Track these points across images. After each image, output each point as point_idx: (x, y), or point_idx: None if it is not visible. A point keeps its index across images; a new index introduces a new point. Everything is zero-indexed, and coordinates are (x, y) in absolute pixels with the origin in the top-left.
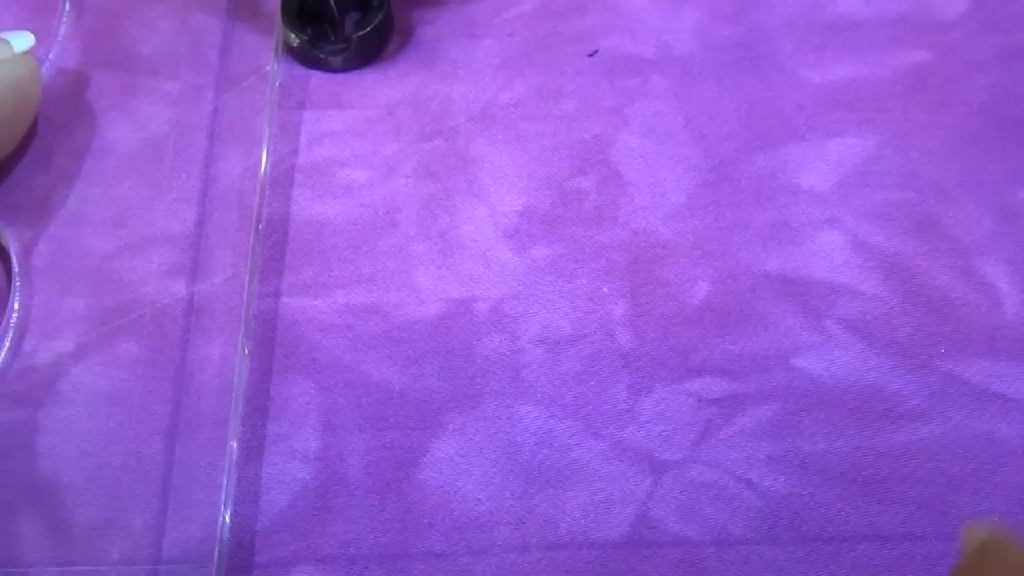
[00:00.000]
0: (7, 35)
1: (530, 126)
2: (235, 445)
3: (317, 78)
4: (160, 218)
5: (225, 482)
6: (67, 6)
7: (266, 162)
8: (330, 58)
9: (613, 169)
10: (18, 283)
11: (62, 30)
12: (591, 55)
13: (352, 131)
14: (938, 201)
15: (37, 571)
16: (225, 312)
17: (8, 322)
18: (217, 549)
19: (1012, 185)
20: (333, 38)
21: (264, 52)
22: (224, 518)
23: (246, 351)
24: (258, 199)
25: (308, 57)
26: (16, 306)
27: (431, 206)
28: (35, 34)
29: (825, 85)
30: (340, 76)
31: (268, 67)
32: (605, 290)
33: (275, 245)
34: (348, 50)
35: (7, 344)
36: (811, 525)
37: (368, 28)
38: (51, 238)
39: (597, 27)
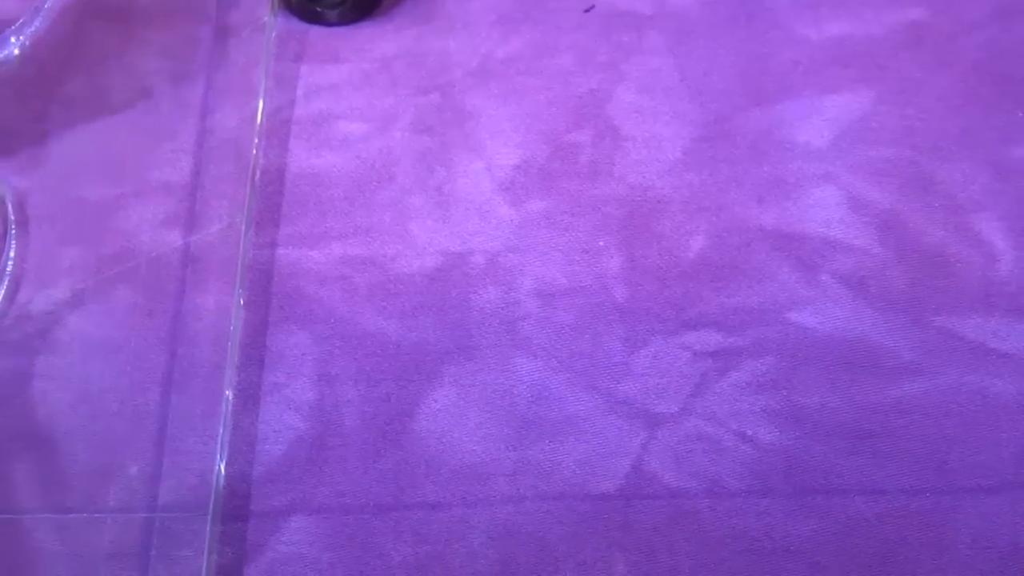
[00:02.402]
0: None
1: (526, 81)
2: (231, 395)
3: (314, 31)
4: (156, 168)
5: (221, 431)
6: None
7: (263, 114)
8: (327, 12)
9: (609, 124)
10: (13, 231)
11: None
12: (587, 10)
13: (349, 84)
14: (934, 158)
15: (32, 517)
16: (221, 262)
17: (3, 270)
18: (213, 497)
19: (1008, 143)
20: None
21: (261, 4)
22: (220, 467)
23: (241, 301)
24: (255, 150)
25: (305, 11)
26: (11, 254)
27: (427, 159)
28: None
29: (821, 42)
30: (337, 30)
31: (265, 19)
32: (601, 244)
33: (271, 196)
34: (345, 4)
35: (2, 292)
36: (805, 478)
37: None
38: (47, 187)
39: None
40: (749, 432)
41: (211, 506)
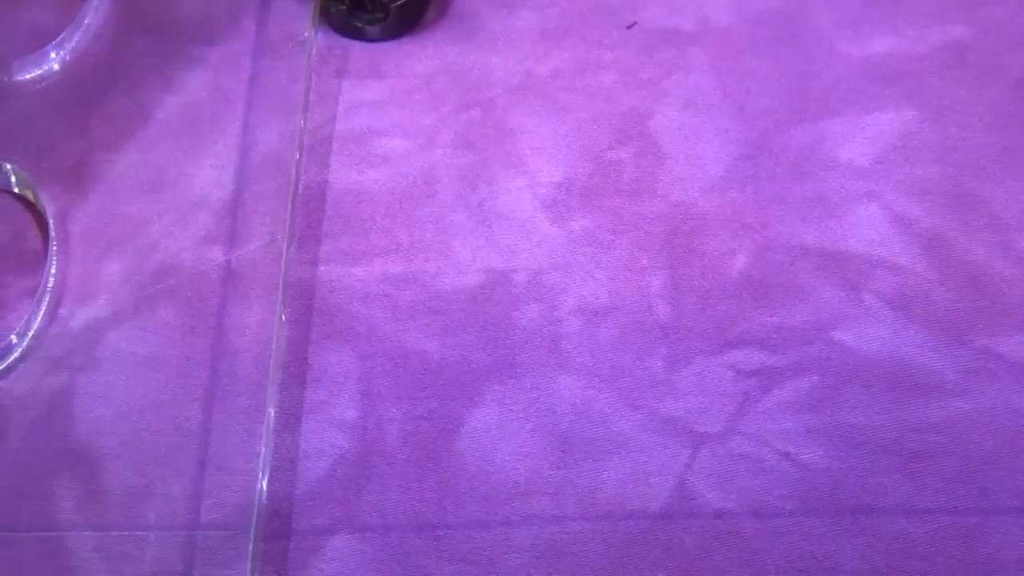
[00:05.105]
0: None
1: (568, 97)
2: (273, 412)
3: (355, 47)
4: (197, 184)
5: (263, 449)
6: None
7: (304, 130)
8: (368, 27)
9: (651, 141)
10: (55, 247)
11: None
12: (629, 27)
13: (390, 101)
14: (977, 177)
15: (74, 535)
16: (263, 279)
17: (45, 286)
18: (255, 516)
19: None
20: (371, 7)
21: (301, 19)
22: (262, 485)
23: (283, 318)
24: (296, 167)
25: (346, 26)
26: (53, 271)
27: (469, 176)
28: None
29: (864, 59)
30: (378, 45)
31: (305, 35)
32: (643, 262)
33: (313, 212)
34: (386, 20)
35: (44, 308)
36: (849, 498)
37: None
38: (88, 203)
39: None
40: (792, 451)
41: (253, 524)
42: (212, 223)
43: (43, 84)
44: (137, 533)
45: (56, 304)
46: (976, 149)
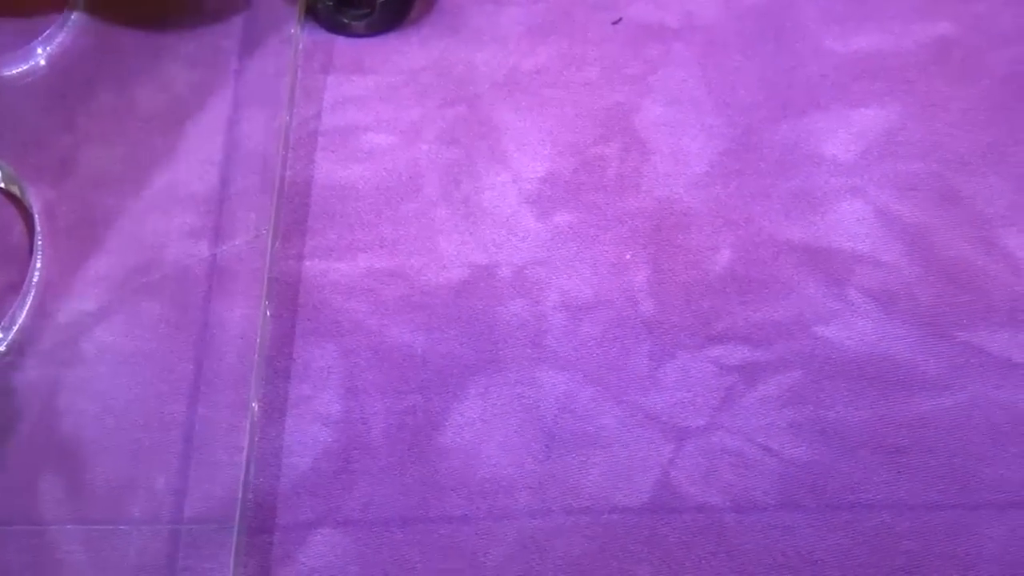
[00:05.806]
0: None
1: (553, 93)
2: (257, 407)
3: (341, 43)
4: (183, 179)
5: (247, 443)
6: None
7: (289, 125)
8: (354, 23)
9: (636, 137)
10: (40, 242)
11: None
12: (615, 23)
13: (375, 96)
14: (960, 173)
15: (58, 529)
16: (247, 274)
17: (31, 281)
18: (238, 510)
19: None
20: (357, 3)
21: (288, 15)
22: (246, 479)
23: (268, 313)
24: (281, 162)
25: (332, 22)
26: (38, 265)
27: (454, 172)
28: None
29: (848, 55)
30: (364, 41)
31: (292, 30)
32: (627, 257)
33: (298, 208)
34: (372, 15)
35: (29, 303)
36: (831, 492)
37: None
38: (74, 198)
39: None
40: (775, 446)
41: (237, 518)
42: (197, 218)
43: (30, 79)
44: (121, 527)
45: (41, 299)
46: (960, 145)
